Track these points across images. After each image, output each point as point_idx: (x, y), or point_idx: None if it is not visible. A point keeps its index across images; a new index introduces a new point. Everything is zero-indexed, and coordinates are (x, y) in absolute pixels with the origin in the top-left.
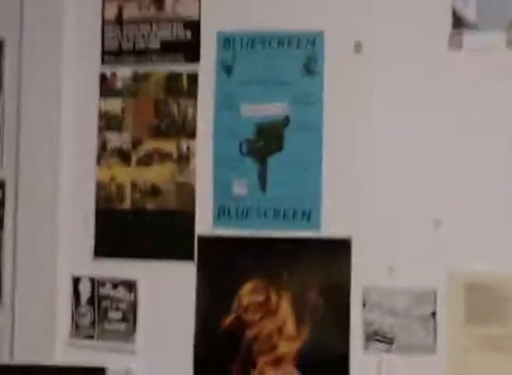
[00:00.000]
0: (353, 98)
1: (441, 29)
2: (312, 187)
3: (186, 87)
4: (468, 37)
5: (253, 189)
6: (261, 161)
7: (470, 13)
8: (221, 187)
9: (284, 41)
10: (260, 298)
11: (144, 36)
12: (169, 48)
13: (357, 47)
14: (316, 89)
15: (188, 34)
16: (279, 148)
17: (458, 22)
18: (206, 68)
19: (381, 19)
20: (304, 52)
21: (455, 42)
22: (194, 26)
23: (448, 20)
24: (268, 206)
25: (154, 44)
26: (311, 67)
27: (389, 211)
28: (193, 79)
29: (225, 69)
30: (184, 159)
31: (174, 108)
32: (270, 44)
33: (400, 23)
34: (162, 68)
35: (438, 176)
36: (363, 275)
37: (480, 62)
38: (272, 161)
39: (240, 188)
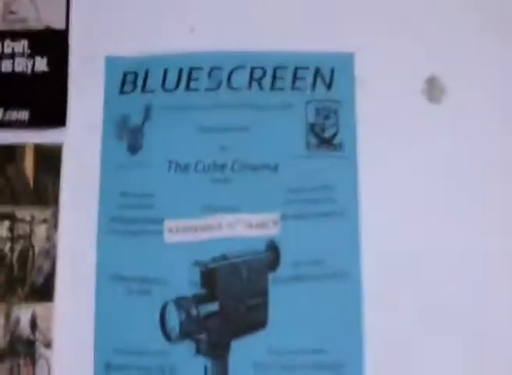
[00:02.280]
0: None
1: None
2: None
3: (31, 183)
4: None
5: None
6: (216, 352)
7: None
8: None
9: (265, 71)
10: None
11: None
12: None
13: (432, 84)
14: (340, 183)
15: (40, 64)
16: (259, 321)
17: None
18: (80, 138)
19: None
20: (309, 99)
21: None
22: (55, 44)
23: None
24: None
25: None
26: (325, 133)
27: None
28: (48, 163)
29: (126, 139)
30: (23, 351)
31: (2, 231)
32: (230, 79)
33: None
34: None
35: None
36: None
37: None
38: (242, 352)
39: None
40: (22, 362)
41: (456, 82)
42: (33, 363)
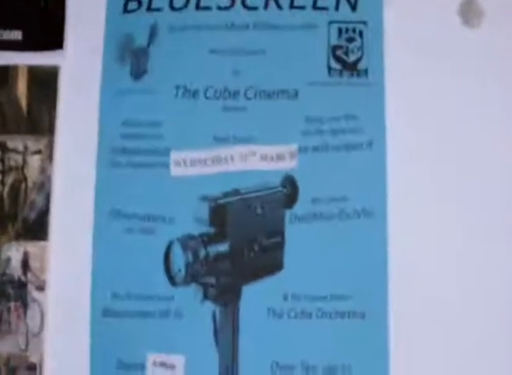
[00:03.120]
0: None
1: None
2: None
3: (24, 109)
4: None
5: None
6: (225, 298)
7: None
8: (112, 369)
9: None
10: None
11: None
12: None
13: (468, 5)
14: (365, 113)
15: None
16: (274, 264)
17: None
18: (79, 61)
19: None
20: (332, 19)
21: None
22: None
23: None
24: None
25: None
26: (349, 57)
27: None
28: (44, 88)
29: (129, 62)
30: (13, 294)
31: None
32: None
33: None
34: None
35: None
36: None
37: None
38: (255, 298)
39: (164, 372)
40: (12, 305)
41: (495, 5)
42: (25, 307)
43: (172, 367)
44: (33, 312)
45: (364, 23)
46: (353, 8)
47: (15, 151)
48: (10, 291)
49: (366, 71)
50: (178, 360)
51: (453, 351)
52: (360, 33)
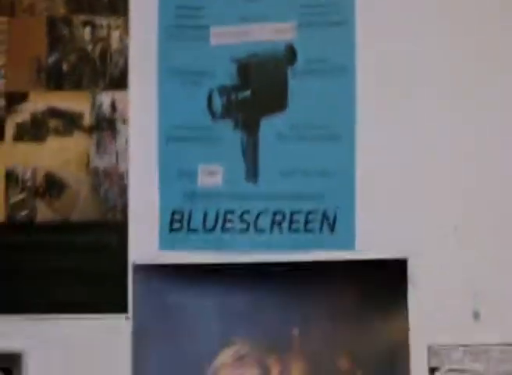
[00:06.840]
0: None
1: None
2: (340, 173)
3: None
4: None
5: (234, 178)
6: (249, 127)
7: None
8: (174, 175)
9: None
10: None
11: None
12: None
13: None
14: None
15: None
16: (281, 104)
17: None
18: None
19: None
20: None
21: None
22: None
23: None
24: (262, 208)
25: None
26: None
27: None
28: None
29: None
30: (106, 127)
31: (85, 34)
32: None
33: None
34: None
35: None
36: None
37: None
38: (269, 127)
39: (209, 177)
40: (105, 134)
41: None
42: (114, 135)
43: (215, 174)
44: (120, 138)
45: None
46: None
47: (101, 27)
48: (104, 124)
49: None
50: (218, 169)
51: None
52: None
